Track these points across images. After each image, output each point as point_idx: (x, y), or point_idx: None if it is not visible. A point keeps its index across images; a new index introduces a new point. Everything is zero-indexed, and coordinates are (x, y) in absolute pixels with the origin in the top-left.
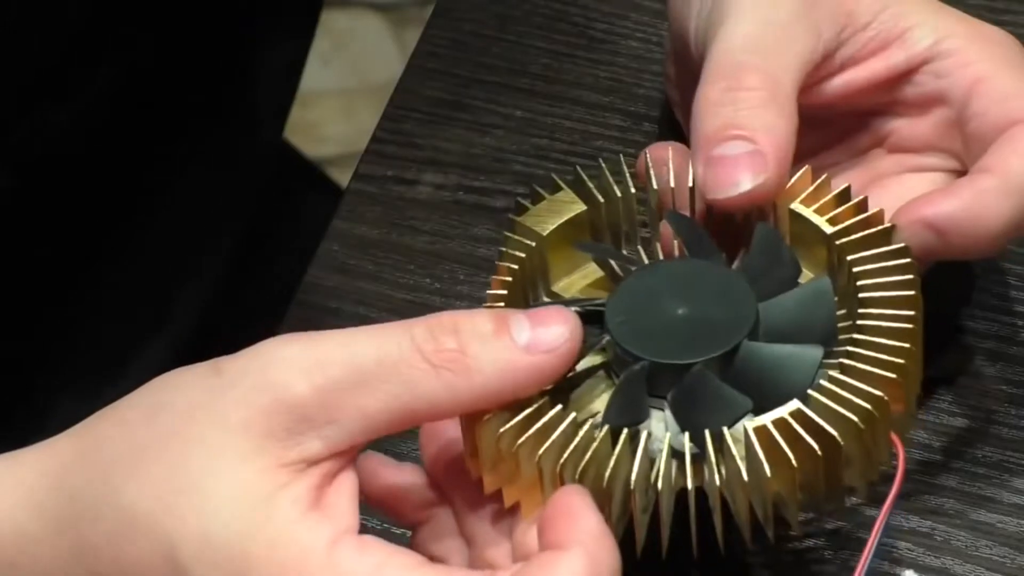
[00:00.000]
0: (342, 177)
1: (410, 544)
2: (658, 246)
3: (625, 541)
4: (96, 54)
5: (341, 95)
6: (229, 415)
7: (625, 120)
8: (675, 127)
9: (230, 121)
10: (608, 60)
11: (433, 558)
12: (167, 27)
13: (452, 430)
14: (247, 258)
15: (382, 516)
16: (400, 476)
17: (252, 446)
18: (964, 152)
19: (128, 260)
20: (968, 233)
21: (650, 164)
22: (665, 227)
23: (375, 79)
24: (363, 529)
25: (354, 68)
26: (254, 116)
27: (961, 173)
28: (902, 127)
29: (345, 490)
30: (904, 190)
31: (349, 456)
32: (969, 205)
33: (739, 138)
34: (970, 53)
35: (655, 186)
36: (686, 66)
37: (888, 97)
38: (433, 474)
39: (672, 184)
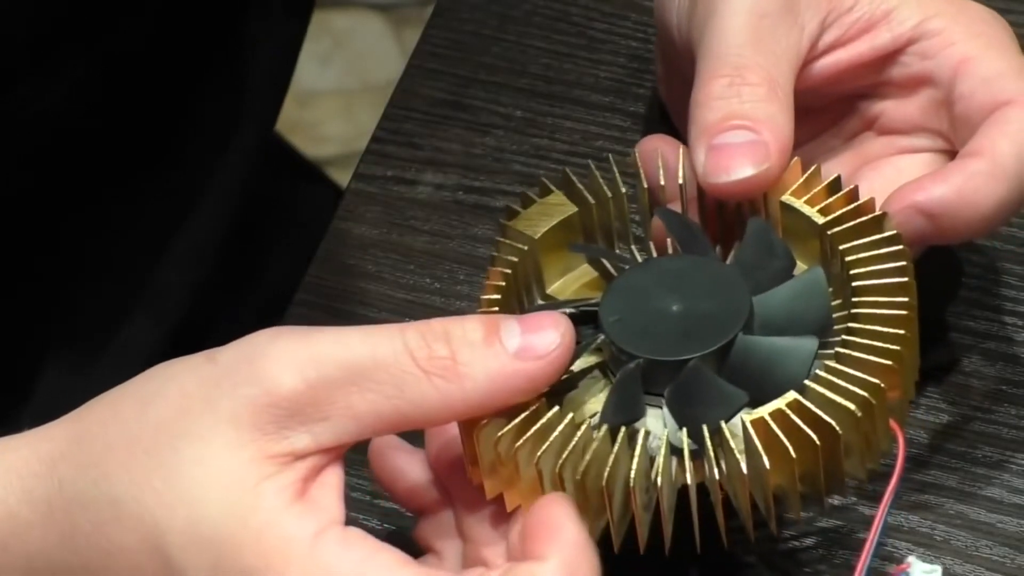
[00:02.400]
0: (342, 177)
1: (413, 533)
2: (651, 243)
3: (627, 539)
4: (85, 33)
5: (341, 95)
6: (219, 406)
7: (625, 120)
8: (675, 127)
9: (221, 108)
10: (608, 60)
11: (432, 549)
12: (158, 10)
13: (454, 427)
14: (241, 249)
15: (380, 517)
16: (410, 463)
17: (240, 437)
18: (952, 133)
19: (113, 238)
20: (960, 217)
21: (639, 162)
22: (656, 223)
23: (375, 79)
24: (361, 528)
25: (354, 68)
26: (245, 105)
27: (951, 153)
28: (890, 108)
29: (331, 484)
30: (896, 172)
31: (336, 452)
32: (960, 189)
33: (742, 128)
34: (955, 32)
35: (645, 184)
36: (670, 56)
37: (875, 79)
38: (436, 470)
39: (662, 180)
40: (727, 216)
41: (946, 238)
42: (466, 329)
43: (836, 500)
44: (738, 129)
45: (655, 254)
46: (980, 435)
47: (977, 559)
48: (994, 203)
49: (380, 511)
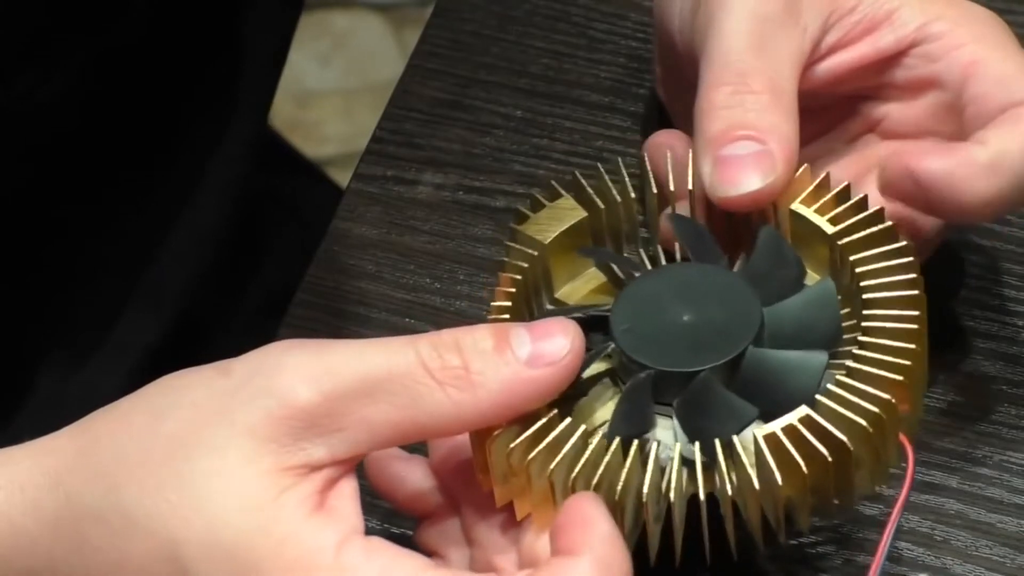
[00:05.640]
0: (342, 177)
1: (414, 537)
2: (659, 248)
3: (638, 551)
4: (81, 27)
5: (341, 95)
6: (235, 418)
7: (625, 120)
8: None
9: (216, 99)
10: (608, 60)
11: (437, 554)
12: (153, 3)
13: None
14: (241, 248)
15: (380, 517)
16: (408, 469)
17: (256, 449)
18: (959, 136)
19: (111, 233)
20: (944, 197)
21: (647, 161)
22: (665, 225)
23: (375, 79)
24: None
25: (354, 68)
26: (241, 95)
27: None
28: (894, 111)
29: (347, 494)
30: None
31: (350, 464)
32: (953, 170)
33: (748, 138)
34: (959, 35)
35: (654, 189)
36: (671, 61)
37: (878, 80)
38: (441, 476)
39: (671, 184)
40: (736, 223)
41: (931, 211)
42: (476, 338)
43: None
44: (743, 140)
45: (663, 257)
46: (980, 435)
47: (977, 559)
48: (982, 195)
49: (381, 512)
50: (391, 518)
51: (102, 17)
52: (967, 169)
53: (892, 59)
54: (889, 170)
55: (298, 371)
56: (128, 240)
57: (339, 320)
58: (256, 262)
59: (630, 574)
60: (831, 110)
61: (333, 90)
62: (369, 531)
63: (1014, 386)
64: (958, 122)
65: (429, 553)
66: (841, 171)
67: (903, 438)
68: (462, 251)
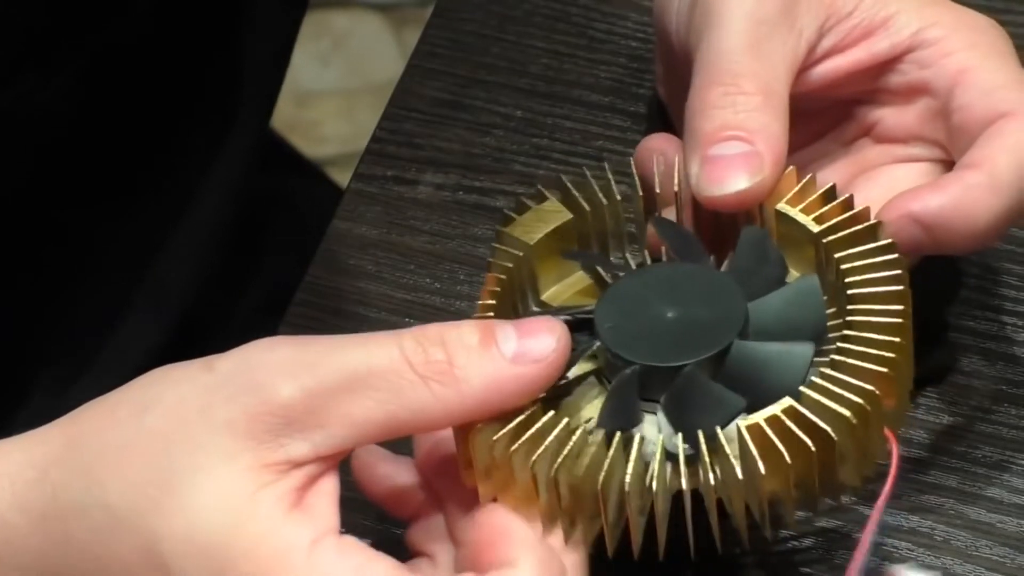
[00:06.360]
0: (342, 177)
1: (406, 539)
2: (645, 252)
3: (621, 544)
4: (83, 28)
5: (341, 95)
6: (216, 414)
7: (625, 120)
8: (674, 128)
9: (219, 100)
10: (608, 60)
11: (424, 553)
12: (155, 4)
13: (442, 429)
14: (241, 248)
15: (375, 518)
16: (395, 470)
17: (237, 445)
18: (949, 143)
19: (112, 234)
20: (955, 228)
21: (636, 166)
22: (652, 231)
23: (375, 79)
24: (359, 527)
25: (354, 68)
26: (244, 95)
27: (948, 164)
28: (887, 116)
29: (327, 492)
30: (892, 180)
31: (333, 460)
32: (956, 201)
33: (736, 139)
34: (953, 42)
35: (640, 192)
36: (670, 61)
37: (873, 85)
38: (424, 473)
39: (658, 188)
40: (722, 224)
41: (941, 249)
42: (462, 333)
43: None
44: (732, 140)
45: (649, 260)
46: (980, 435)
47: (977, 559)
48: (990, 216)
49: (376, 511)
50: (385, 519)
51: (102, 17)
52: (970, 194)
53: (887, 64)
54: (891, 224)
55: (279, 367)
56: (129, 241)
57: (339, 320)
58: (256, 262)
59: (564, 569)
60: (826, 114)
61: (333, 90)
62: (363, 532)
63: (1014, 386)
64: (947, 129)
65: (417, 552)
66: (835, 174)
67: (888, 432)
68: (462, 251)
